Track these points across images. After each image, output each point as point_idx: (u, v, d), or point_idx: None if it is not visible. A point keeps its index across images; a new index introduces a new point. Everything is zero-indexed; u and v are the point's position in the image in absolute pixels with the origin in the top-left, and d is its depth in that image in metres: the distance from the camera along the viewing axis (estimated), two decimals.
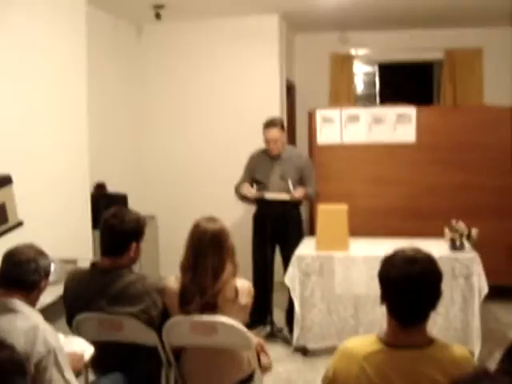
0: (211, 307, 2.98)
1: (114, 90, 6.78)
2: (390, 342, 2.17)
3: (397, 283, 2.15)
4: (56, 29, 5.00)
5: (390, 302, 2.19)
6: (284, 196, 5.25)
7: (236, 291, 3.04)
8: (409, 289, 2.13)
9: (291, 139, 7.81)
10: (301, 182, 5.44)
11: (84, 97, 5.41)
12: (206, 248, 3.03)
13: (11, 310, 2.52)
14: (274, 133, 5.38)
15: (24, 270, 2.64)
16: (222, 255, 3.05)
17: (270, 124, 5.41)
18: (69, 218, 5.15)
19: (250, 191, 5.38)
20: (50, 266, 2.79)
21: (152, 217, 6.68)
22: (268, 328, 5.42)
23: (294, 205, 5.43)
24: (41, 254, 2.75)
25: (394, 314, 2.19)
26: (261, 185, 5.46)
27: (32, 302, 2.66)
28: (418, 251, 2.21)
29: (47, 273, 2.75)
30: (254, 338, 3.13)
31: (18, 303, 2.55)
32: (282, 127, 5.49)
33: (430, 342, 2.16)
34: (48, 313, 3.23)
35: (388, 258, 2.23)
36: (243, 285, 3.11)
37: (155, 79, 7.33)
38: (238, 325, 2.99)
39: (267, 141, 5.43)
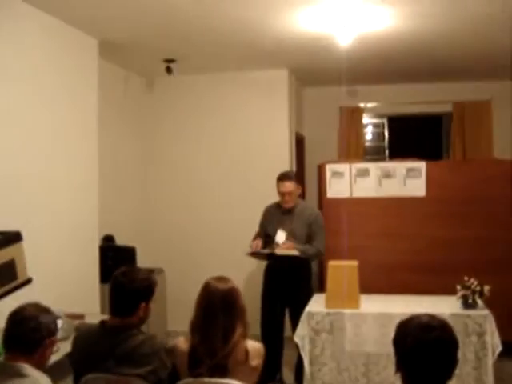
0: (221, 370, 2.90)
1: (124, 143, 6.82)
2: None
3: (413, 352, 2.10)
4: (68, 81, 5.07)
5: (406, 370, 2.14)
6: (294, 252, 5.20)
7: (246, 353, 2.97)
8: (425, 358, 2.07)
9: (301, 192, 7.80)
10: (309, 237, 5.41)
11: (95, 149, 5.45)
12: (217, 309, 2.97)
13: (19, 375, 2.46)
14: (288, 186, 5.35)
15: (23, 329, 2.59)
16: (233, 316, 2.99)
17: (283, 177, 5.41)
18: (77, 271, 5.13)
19: (258, 246, 5.35)
20: (54, 323, 2.72)
21: (160, 270, 6.63)
22: None
23: (304, 260, 5.37)
24: (43, 311, 2.70)
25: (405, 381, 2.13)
26: (271, 239, 5.42)
27: (38, 363, 2.59)
28: (433, 318, 2.16)
29: (51, 331, 2.68)
30: None
31: (26, 367, 2.50)
32: (296, 181, 5.48)
33: None
34: (56, 370, 3.18)
35: (403, 325, 2.19)
36: (254, 346, 3.04)
37: (165, 132, 7.38)
38: None
39: (281, 193, 5.40)
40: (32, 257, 3.57)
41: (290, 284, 5.37)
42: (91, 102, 5.42)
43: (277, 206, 5.55)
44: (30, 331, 2.60)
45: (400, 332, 2.18)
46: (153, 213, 7.35)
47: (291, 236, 5.37)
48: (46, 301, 3.41)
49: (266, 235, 5.52)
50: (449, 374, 2.10)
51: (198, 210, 7.28)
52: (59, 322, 3.55)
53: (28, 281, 3.35)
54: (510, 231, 6.25)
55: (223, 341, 2.93)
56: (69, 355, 3.21)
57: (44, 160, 4.71)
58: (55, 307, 3.78)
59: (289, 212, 5.45)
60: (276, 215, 5.52)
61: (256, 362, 3.02)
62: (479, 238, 6.27)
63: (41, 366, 2.62)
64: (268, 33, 5.50)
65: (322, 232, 5.49)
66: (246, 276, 6.71)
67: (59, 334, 3.21)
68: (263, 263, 5.66)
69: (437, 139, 8.77)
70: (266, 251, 5.30)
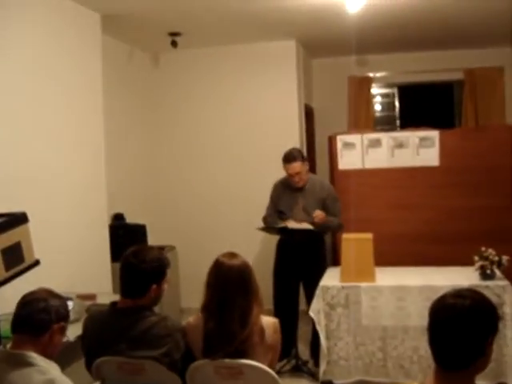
0: (240, 354, 2.82)
1: (131, 120, 6.72)
2: None
3: (431, 327, 2.03)
4: (72, 58, 4.95)
5: (429, 342, 2.05)
6: (307, 225, 5.11)
7: (262, 331, 2.90)
8: (439, 334, 2.00)
9: (311, 165, 7.68)
10: (324, 212, 5.31)
11: (101, 127, 5.35)
12: (233, 290, 2.87)
13: (27, 364, 2.37)
14: (296, 167, 5.22)
15: (31, 309, 2.50)
16: (249, 296, 2.89)
17: (289, 158, 5.24)
18: (87, 250, 5.07)
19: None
20: (64, 308, 2.62)
21: (172, 247, 6.57)
22: (293, 361, 5.25)
23: (317, 234, 5.28)
24: (54, 295, 2.61)
25: (433, 356, 2.05)
26: (284, 216, 5.33)
27: (46, 349, 2.49)
28: (460, 296, 2.04)
29: (60, 316, 2.58)
30: None
31: (34, 356, 2.40)
32: (303, 158, 5.33)
33: None
34: (67, 353, 3.12)
35: (433, 303, 2.09)
36: (268, 322, 2.96)
37: (172, 107, 7.27)
38: (264, 367, 2.84)
39: (290, 175, 5.28)
40: (40, 238, 3.51)
41: (303, 258, 5.30)
42: (96, 79, 5.30)
43: (286, 182, 5.44)
44: (38, 312, 2.50)
45: (430, 308, 2.08)
46: (163, 189, 7.27)
47: (305, 212, 5.27)
48: (56, 282, 3.37)
49: (278, 211, 5.43)
50: (472, 353, 1.99)
51: (209, 185, 7.20)
52: (70, 304, 3.49)
53: (35, 263, 3.27)
54: None
55: (241, 324, 2.84)
56: (80, 338, 3.14)
57: (49, 138, 4.61)
58: (66, 288, 3.75)
59: (300, 188, 5.35)
60: (287, 192, 5.42)
61: (271, 338, 2.94)
62: (495, 207, 6.16)
63: (49, 353, 2.52)
64: (274, 3, 5.36)
65: (339, 205, 5.42)
66: (258, 250, 6.65)
67: (71, 316, 3.14)
68: (275, 237, 5.58)
69: (448, 107, 8.62)
70: (279, 225, 5.21)
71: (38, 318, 2.51)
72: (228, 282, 2.89)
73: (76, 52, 5.02)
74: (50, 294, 2.63)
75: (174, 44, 6.28)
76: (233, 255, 3.02)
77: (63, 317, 2.61)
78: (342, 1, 5.25)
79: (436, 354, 2.03)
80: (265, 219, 5.51)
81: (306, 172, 5.34)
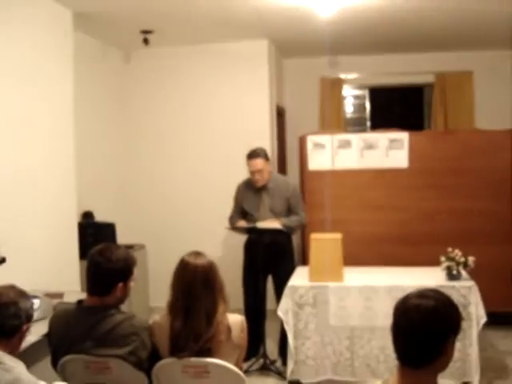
0: (206, 352, 2.84)
1: (102, 118, 6.68)
2: None
3: (394, 326, 2.05)
4: (43, 54, 4.91)
5: (392, 341, 2.08)
6: (276, 224, 5.14)
7: (229, 329, 2.91)
8: (403, 333, 2.02)
9: (282, 165, 7.73)
10: (289, 211, 5.35)
11: (71, 124, 5.32)
12: (199, 289, 2.88)
13: None
14: (258, 163, 5.28)
15: (3, 315, 2.48)
16: (214, 294, 2.91)
17: (252, 155, 5.31)
18: (56, 248, 5.03)
19: (243, 224, 5.33)
20: (32, 308, 2.62)
21: (141, 246, 6.54)
22: (261, 360, 5.26)
23: (285, 234, 5.31)
24: (22, 295, 2.59)
25: (396, 354, 2.07)
26: (251, 216, 5.37)
27: (13, 349, 2.49)
28: (424, 297, 2.07)
29: (29, 316, 2.58)
30: None
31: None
32: (266, 157, 5.38)
33: None
34: (33, 352, 3.10)
35: (397, 303, 2.11)
36: (235, 321, 2.98)
37: (143, 105, 7.25)
38: (231, 365, 2.86)
39: (251, 172, 5.34)
40: (7, 235, 3.49)
41: (272, 256, 5.32)
42: (67, 76, 5.26)
43: (249, 183, 5.48)
44: (10, 318, 2.49)
45: (394, 308, 2.11)
46: (133, 188, 7.25)
47: (272, 212, 5.32)
48: (23, 280, 3.33)
49: (243, 212, 5.49)
50: (431, 350, 2.01)
51: (178, 183, 7.19)
52: (37, 302, 3.47)
53: (1, 261, 3.25)
54: (492, 202, 6.23)
55: (207, 322, 2.86)
56: (46, 336, 3.12)
57: (19, 135, 4.57)
58: (34, 286, 3.72)
59: (264, 188, 5.39)
60: (252, 193, 5.46)
61: (238, 337, 2.96)
62: (462, 209, 6.23)
63: (15, 351, 2.52)
64: (247, 3, 5.37)
65: (302, 203, 5.49)
66: (227, 249, 6.65)
67: (37, 314, 3.13)
68: (243, 237, 5.60)
69: (418, 110, 8.70)
70: (248, 225, 5.24)
71: (10, 324, 2.50)
72: (193, 281, 2.91)
73: (47, 48, 4.98)
74: (18, 293, 2.60)
75: (145, 41, 6.26)
76: (198, 254, 3.03)
77: (31, 316, 2.62)
78: (312, 4, 5.28)
79: (399, 352, 2.06)
80: (230, 219, 5.56)
81: (267, 172, 5.38)
